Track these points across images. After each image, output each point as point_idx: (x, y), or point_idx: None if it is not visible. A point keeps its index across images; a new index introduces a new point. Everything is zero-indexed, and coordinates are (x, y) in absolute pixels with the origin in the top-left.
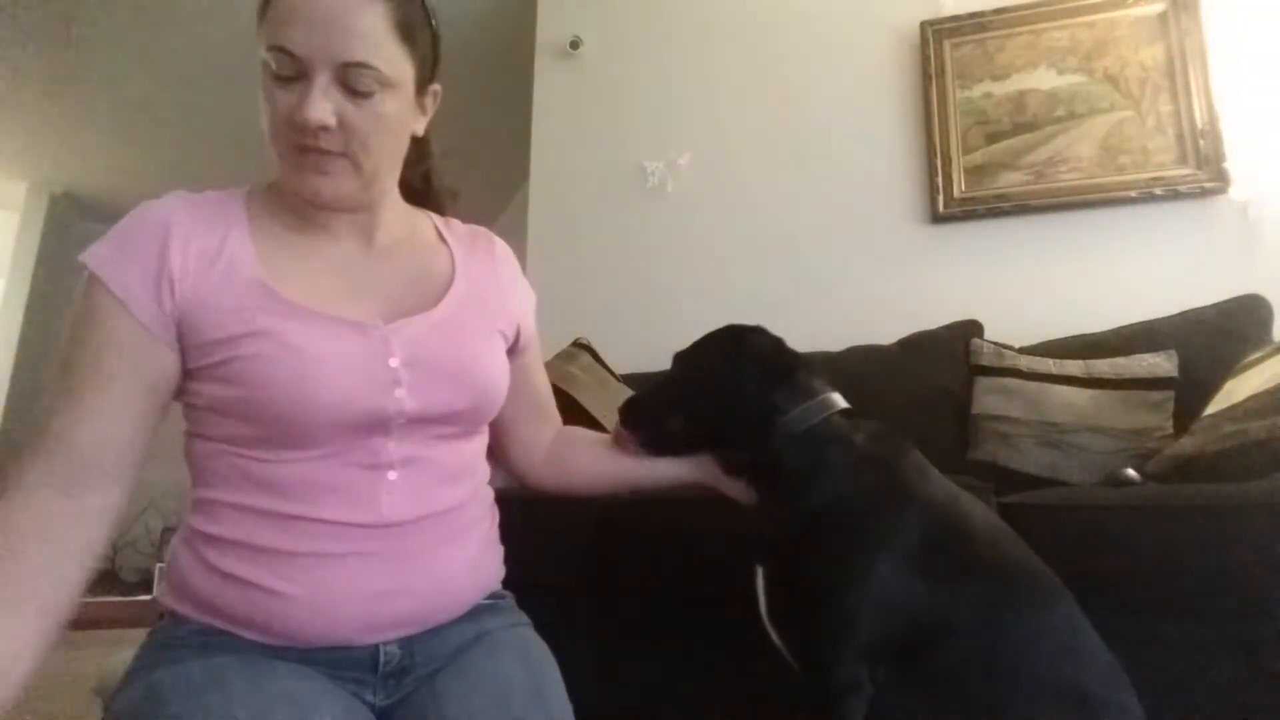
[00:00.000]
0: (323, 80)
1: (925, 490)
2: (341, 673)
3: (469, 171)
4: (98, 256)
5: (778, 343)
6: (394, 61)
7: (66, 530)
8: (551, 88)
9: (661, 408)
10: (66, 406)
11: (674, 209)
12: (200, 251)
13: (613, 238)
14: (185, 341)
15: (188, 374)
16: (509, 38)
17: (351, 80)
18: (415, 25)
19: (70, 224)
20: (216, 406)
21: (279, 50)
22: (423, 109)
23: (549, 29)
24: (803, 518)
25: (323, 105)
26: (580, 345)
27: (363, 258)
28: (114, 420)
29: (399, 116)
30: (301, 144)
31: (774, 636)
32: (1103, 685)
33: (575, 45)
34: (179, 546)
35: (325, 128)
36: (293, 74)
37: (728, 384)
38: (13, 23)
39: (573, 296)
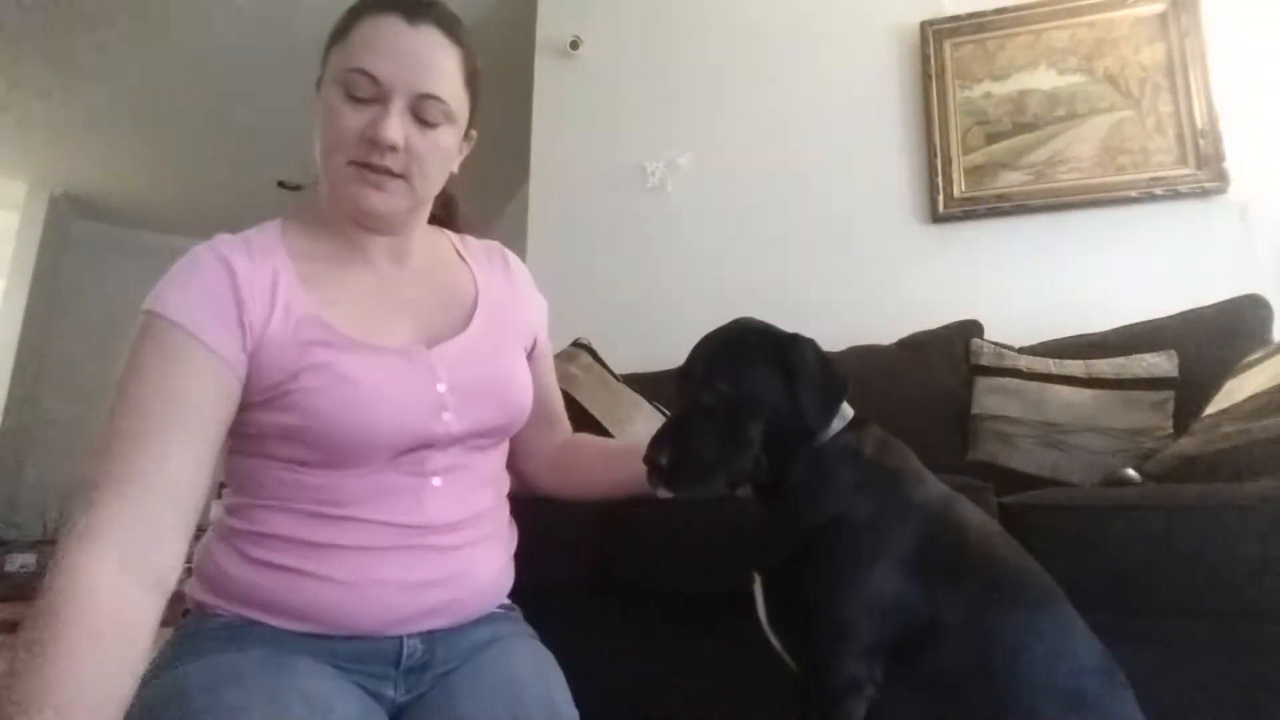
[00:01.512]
0: (399, 105)
1: (923, 498)
2: (364, 666)
3: (469, 171)
4: (167, 303)
5: (822, 356)
6: (459, 101)
7: (140, 614)
8: (551, 88)
9: (701, 439)
10: (146, 447)
11: (674, 209)
12: (261, 294)
13: (613, 238)
14: (250, 378)
15: (245, 406)
16: (509, 38)
17: (424, 110)
18: (476, 75)
19: (70, 224)
20: (271, 433)
21: (361, 73)
22: (460, 150)
23: (549, 29)
24: (806, 531)
25: (399, 127)
26: (580, 345)
27: (396, 281)
28: (197, 458)
29: (451, 150)
30: (367, 161)
31: (773, 640)
32: (1097, 684)
33: (575, 45)
34: (213, 542)
35: (395, 147)
36: (369, 96)
37: (782, 410)
38: (12, 24)
39: (573, 296)
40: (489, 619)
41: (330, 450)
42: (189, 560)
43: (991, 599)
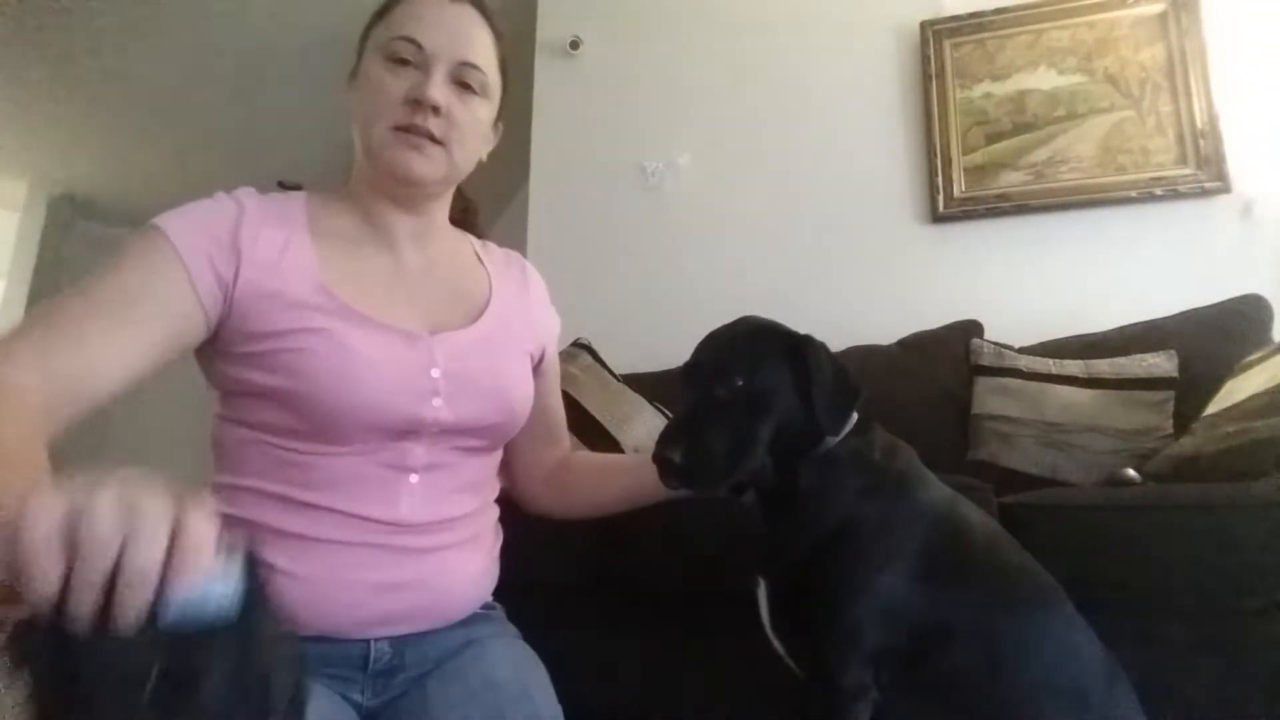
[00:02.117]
0: (441, 71)
1: (930, 501)
2: (331, 669)
3: (470, 172)
4: (168, 220)
5: (836, 360)
6: (493, 76)
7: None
8: (551, 88)
9: (714, 435)
10: (79, 323)
11: (674, 209)
12: (267, 244)
13: (613, 238)
14: (233, 326)
15: (228, 357)
16: (509, 38)
17: (465, 76)
18: (506, 64)
19: (70, 224)
20: (256, 392)
21: (406, 40)
22: (492, 134)
23: (549, 29)
24: (815, 536)
25: (441, 88)
26: (580, 345)
27: (412, 267)
28: (123, 355)
29: (484, 126)
30: (409, 123)
31: (776, 645)
32: (1102, 683)
33: (575, 45)
34: None
35: (438, 109)
36: (413, 61)
37: (792, 410)
38: (13, 23)
39: (573, 296)
40: (465, 621)
41: (312, 418)
42: None
43: (998, 601)
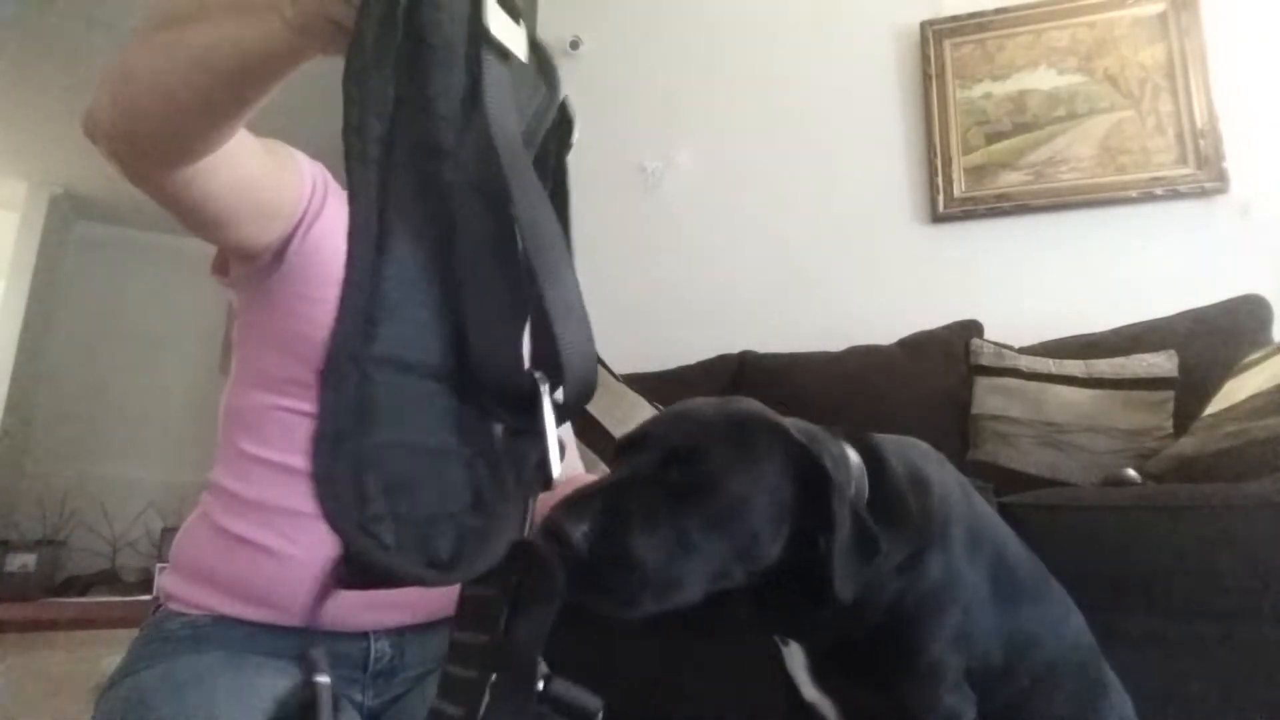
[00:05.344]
0: None
1: (979, 521)
2: (333, 669)
3: None
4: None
5: (854, 504)
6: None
7: None
8: None
9: (640, 534)
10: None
11: (673, 209)
12: (335, 212)
13: (613, 238)
14: (299, 263)
15: (277, 299)
16: None
17: None
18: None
19: (70, 224)
20: (288, 338)
21: None
22: None
23: (549, 29)
24: (864, 622)
25: None
26: None
27: None
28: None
29: None
30: None
31: (809, 693)
32: (1095, 655)
33: (575, 45)
34: (194, 520)
35: None
36: None
37: (768, 543)
38: (13, 23)
39: None
40: None
41: None
42: (161, 559)
43: (1021, 599)
